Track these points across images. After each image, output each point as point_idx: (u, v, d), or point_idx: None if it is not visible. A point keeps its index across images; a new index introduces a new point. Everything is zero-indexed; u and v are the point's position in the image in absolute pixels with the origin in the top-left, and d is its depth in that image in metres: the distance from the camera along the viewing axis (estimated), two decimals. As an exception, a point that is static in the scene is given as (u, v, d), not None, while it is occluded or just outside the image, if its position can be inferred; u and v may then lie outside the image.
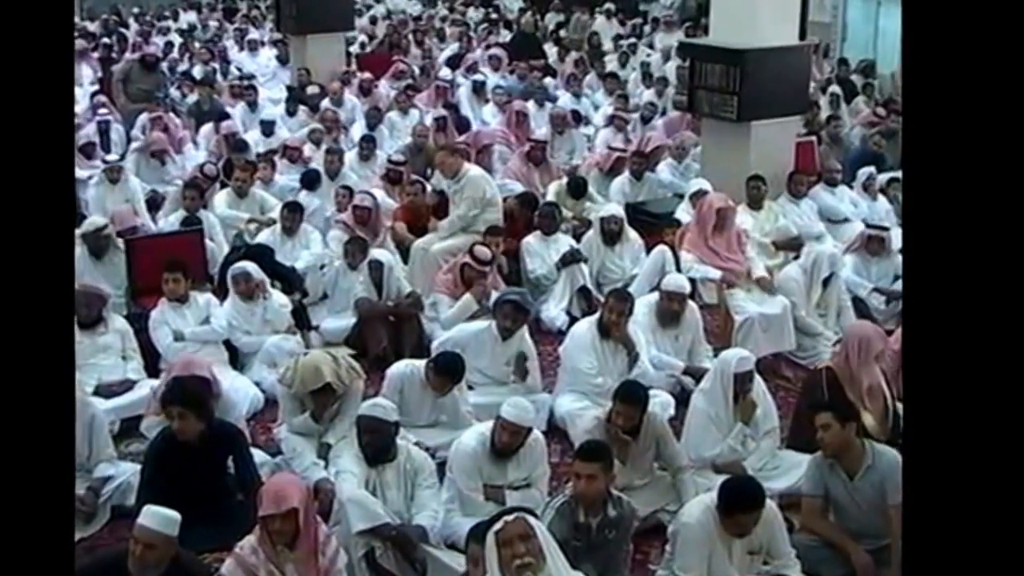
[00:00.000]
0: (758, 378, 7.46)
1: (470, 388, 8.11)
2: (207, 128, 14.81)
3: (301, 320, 9.56)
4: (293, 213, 10.69)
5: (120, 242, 9.93)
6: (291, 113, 16.12)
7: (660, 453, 7.10)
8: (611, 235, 10.56)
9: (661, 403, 7.78)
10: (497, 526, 5.03)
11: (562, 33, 24.07)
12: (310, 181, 12.27)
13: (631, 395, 6.91)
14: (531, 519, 5.13)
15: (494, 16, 26.15)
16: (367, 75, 17.57)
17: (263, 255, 9.93)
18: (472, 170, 10.91)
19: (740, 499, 5.83)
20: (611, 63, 20.15)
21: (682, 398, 8.08)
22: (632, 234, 10.75)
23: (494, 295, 9.18)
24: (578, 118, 15.88)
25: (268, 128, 14.81)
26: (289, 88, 17.52)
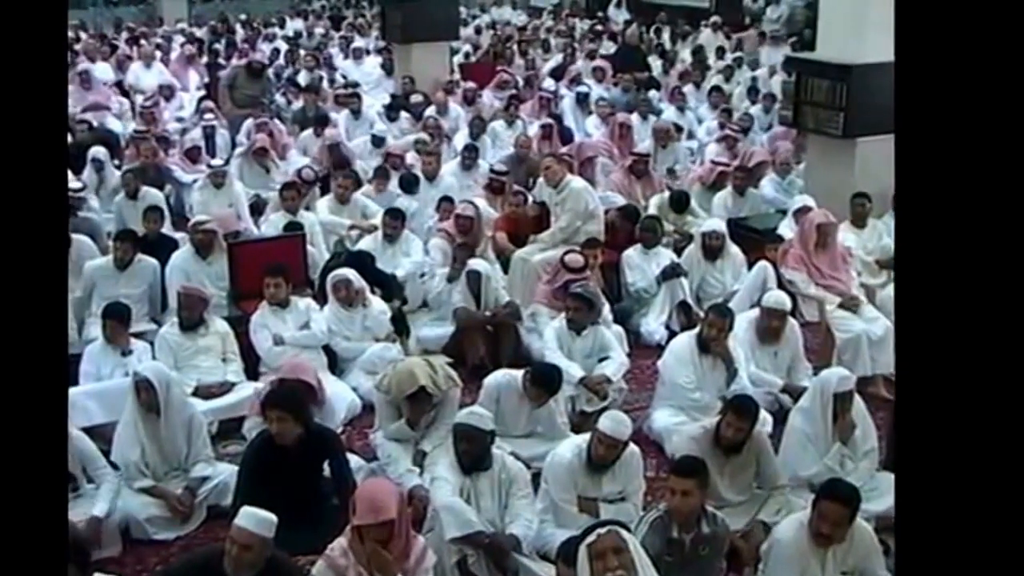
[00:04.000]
0: (858, 398, 7.33)
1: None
2: (307, 134, 14.92)
3: (400, 327, 9.60)
4: (395, 220, 10.74)
5: (224, 244, 10.02)
6: (392, 119, 16.15)
7: (760, 470, 7.06)
8: (712, 250, 10.46)
9: (759, 420, 7.72)
10: (591, 538, 5.00)
11: (670, 46, 23.93)
12: (408, 184, 12.33)
13: (744, 408, 6.90)
14: (624, 533, 5.10)
15: (599, 28, 26.08)
16: (471, 84, 17.64)
17: (364, 262, 9.99)
18: (574, 182, 10.89)
19: (833, 489, 5.82)
20: (715, 77, 20.01)
21: (780, 416, 7.98)
22: (734, 249, 10.63)
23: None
24: (682, 132, 15.78)
25: (378, 141, 14.69)
26: (393, 96, 17.60)
